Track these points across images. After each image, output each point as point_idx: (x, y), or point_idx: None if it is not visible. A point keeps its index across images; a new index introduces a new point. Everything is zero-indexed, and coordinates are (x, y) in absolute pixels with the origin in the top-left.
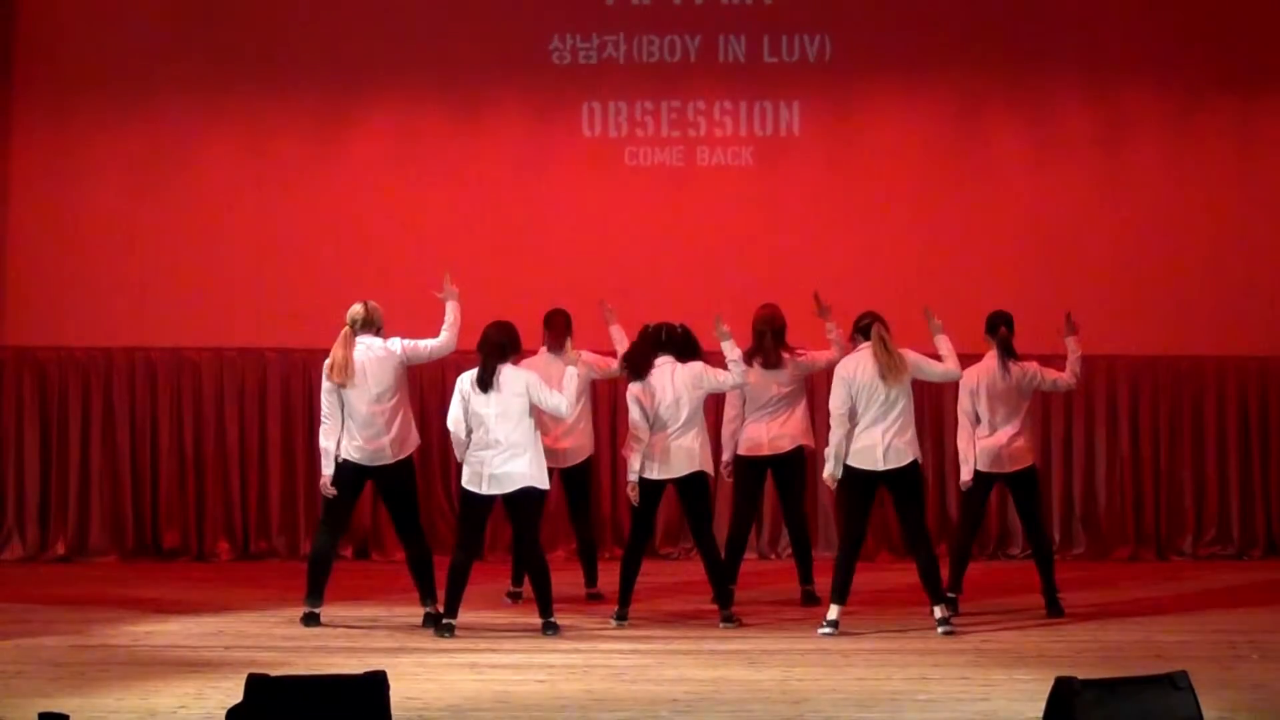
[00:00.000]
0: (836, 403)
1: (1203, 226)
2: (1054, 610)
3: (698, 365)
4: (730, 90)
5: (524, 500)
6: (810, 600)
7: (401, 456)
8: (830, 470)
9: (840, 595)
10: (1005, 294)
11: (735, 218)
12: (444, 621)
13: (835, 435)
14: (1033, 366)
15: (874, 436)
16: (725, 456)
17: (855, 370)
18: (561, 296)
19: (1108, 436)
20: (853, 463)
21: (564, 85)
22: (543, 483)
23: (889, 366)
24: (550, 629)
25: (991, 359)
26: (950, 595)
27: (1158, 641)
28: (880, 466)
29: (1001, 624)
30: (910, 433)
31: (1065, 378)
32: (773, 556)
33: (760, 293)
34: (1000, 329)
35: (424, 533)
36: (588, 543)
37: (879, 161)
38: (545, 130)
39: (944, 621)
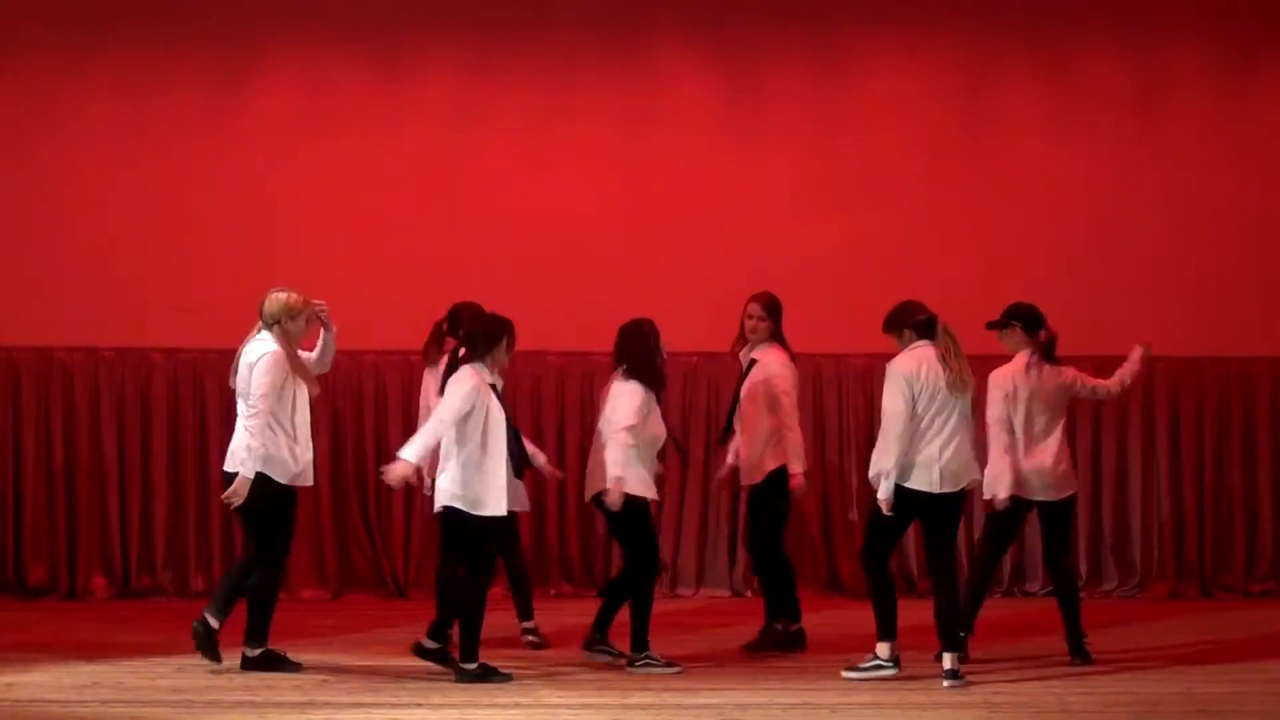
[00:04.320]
0: (900, 404)
1: (1253, 205)
2: (1080, 656)
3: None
4: (699, 39)
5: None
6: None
7: (231, 469)
8: (888, 491)
9: (888, 631)
10: (1021, 282)
11: (703, 190)
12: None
13: (900, 446)
14: (1071, 372)
15: (932, 453)
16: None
17: (920, 370)
18: (501, 279)
19: (1143, 451)
20: (903, 481)
21: (498, 30)
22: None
23: (961, 376)
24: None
25: (1023, 360)
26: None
27: (1202, 693)
28: (936, 489)
29: (1018, 673)
30: (970, 452)
31: (1109, 385)
32: (748, 593)
33: (732, 274)
34: (1040, 331)
35: (271, 563)
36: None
37: (874, 127)
38: (476, 84)
39: (953, 674)
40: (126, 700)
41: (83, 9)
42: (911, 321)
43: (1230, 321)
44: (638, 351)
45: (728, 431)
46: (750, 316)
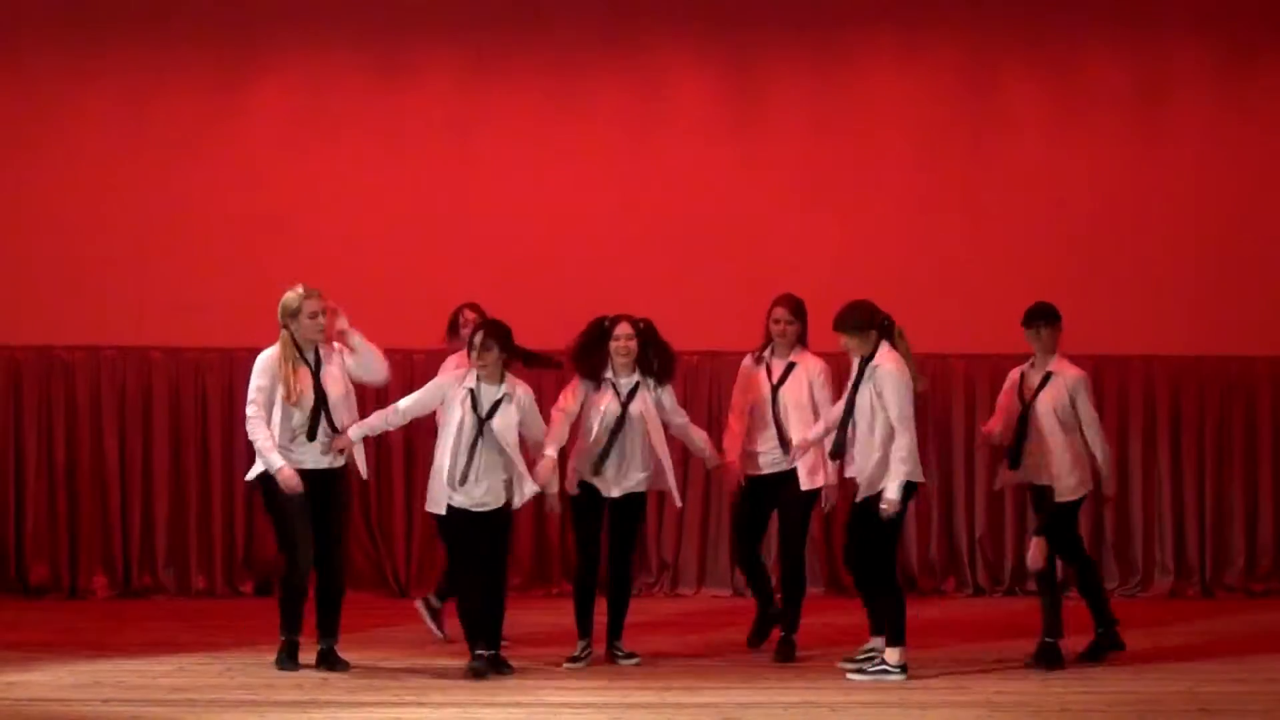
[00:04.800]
0: (911, 407)
1: (1255, 203)
2: (1108, 644)
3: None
4: (699, 38)
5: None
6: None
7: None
8: (899, 491)
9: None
10: (1021, 280)
11: (704, 188)
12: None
13: (910, 444)
14: None
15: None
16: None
17: (910, 372)
18: (501, 277)
19: (1144, 450)
20: (914, 478)
21: (499, 29)
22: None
23: (917, 375)
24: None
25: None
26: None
27: (1203, 693)
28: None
29: (1018, 672)
30: None
31: None
32: (749, 593)
33: (733, 272)
34: None
35: (284, 559)
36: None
37: (874, 126)
38: (477, 83)
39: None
40: (128, 699)
41: (83, 8)
42: (878, 322)
43: (1231, 320)
44: (578, 344)
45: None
46: (778, 321)
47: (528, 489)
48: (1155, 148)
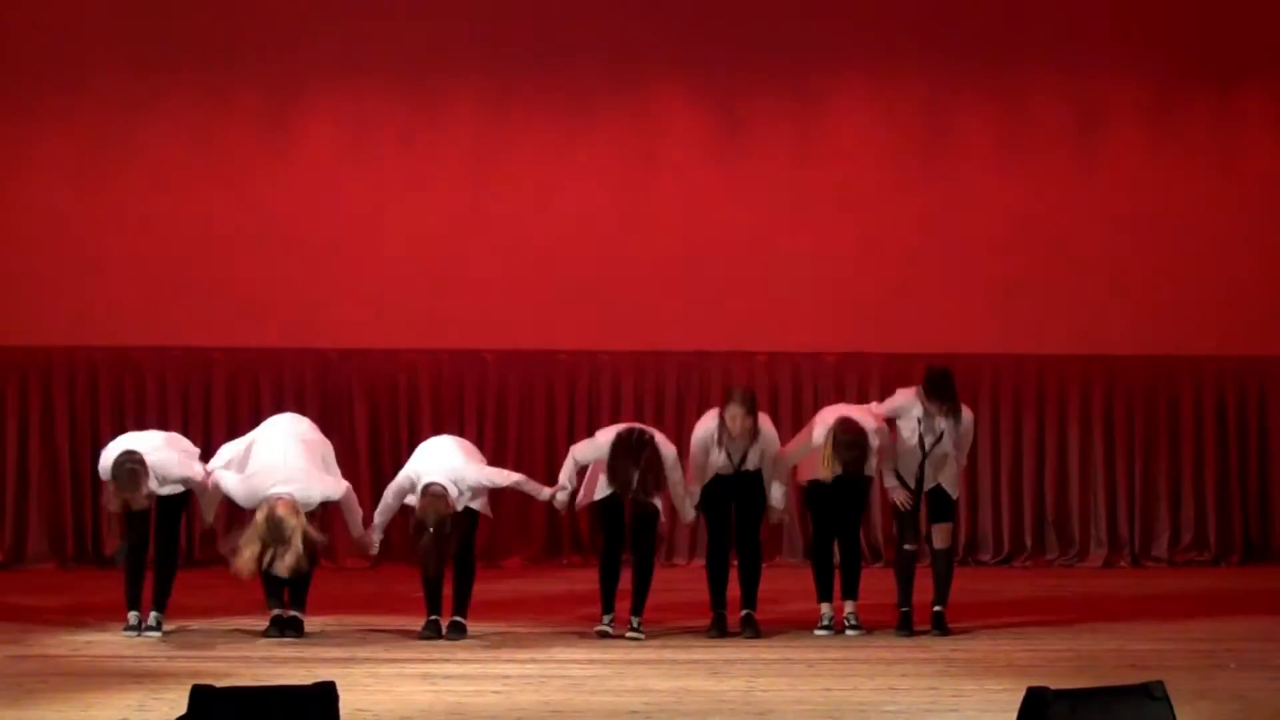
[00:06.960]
0: None
1: (1181, 221)
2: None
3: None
4: (692, 81)
5: None
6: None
7: None
8: None
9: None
10: (976, 294)
11: (696, 209)
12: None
13: None
14: None
15: None
16: None
17: None
18: (520, 288)
19: (1080, 437)
20: None
21: (517, 72)
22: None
23: None
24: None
25: None
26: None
27: (1133, 650)
28: None
29: (971, 632)
30: None
31: None
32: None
33: (717, 292)
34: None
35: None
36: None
37: (841, 157)
38: (499, 120)
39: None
40: (190, 656)
41: (145, 55)
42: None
43: (1155, 323)
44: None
45: None
46: (734, 418)
47: None
48: (1091, 175)
